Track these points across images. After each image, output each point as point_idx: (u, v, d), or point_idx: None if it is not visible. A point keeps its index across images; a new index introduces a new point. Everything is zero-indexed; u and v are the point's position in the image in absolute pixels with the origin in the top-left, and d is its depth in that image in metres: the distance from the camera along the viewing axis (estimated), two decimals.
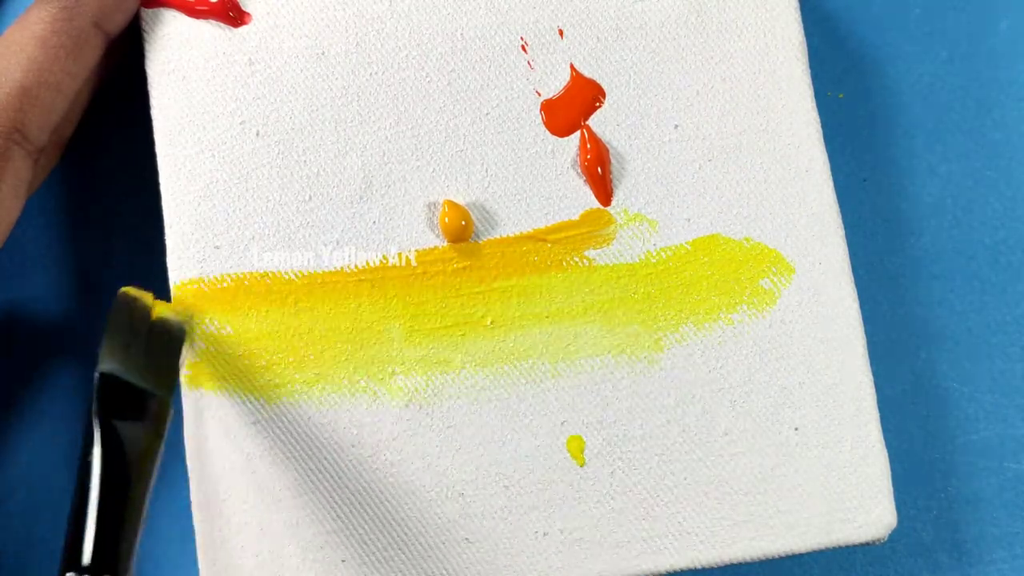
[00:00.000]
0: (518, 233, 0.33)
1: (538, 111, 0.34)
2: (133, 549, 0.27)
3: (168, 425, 0.30)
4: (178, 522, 0.34)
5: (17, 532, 0.35)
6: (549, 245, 0.33)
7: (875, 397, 0.33)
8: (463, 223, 0.32)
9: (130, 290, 0.31)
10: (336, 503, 0.32)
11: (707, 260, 0.33)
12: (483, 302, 0.33)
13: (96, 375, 0.29)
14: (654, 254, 0.33)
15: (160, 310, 0.31)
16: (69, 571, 0.26)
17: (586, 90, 0.34)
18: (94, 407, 0.28)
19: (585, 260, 0.33)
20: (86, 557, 0.26)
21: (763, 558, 0.32)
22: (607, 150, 0.33)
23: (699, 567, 0.32)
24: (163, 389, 0.30)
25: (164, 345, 0.31)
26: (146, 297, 0.31)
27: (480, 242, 0.33)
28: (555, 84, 0.34)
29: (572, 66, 0.34)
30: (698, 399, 0.33)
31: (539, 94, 0.34)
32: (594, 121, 0.34)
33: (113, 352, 0.29)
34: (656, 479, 0.32)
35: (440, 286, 0.33)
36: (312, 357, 0.32)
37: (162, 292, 0.33)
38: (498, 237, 0.33)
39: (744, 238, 0.33)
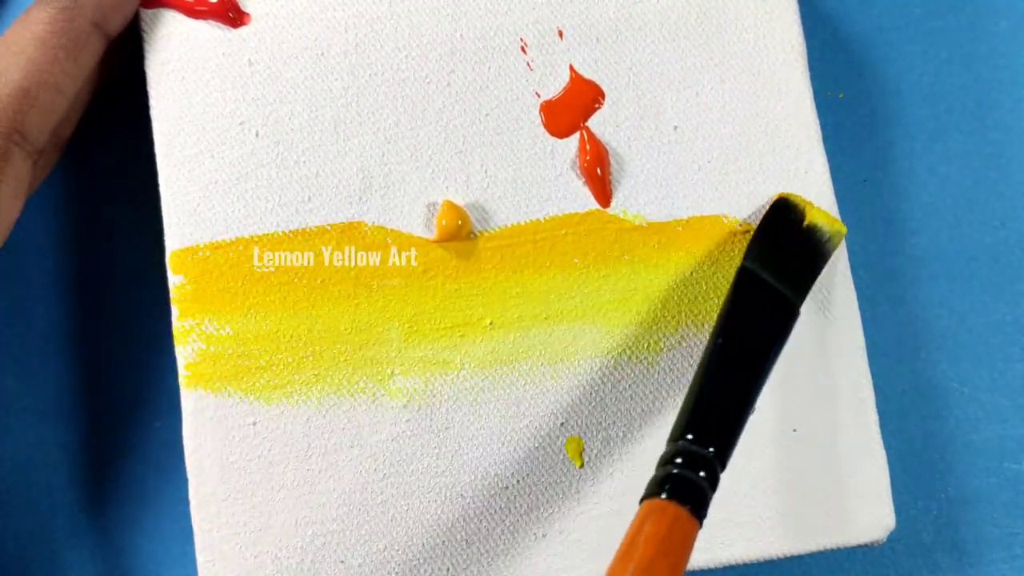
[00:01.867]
0: (516, 225, 0.33)
1: (537, 112, 0.34)
2: (739, 432, 0.29)
3: (790, 332, 0.31)
4: (178, 522, 0.34)
5: (18, 533, 0.35)
6: (549, 245, 0.33)
7: (874, 399, 0.33)
8: (459, 223, 0.32)
9: (789, 195, 0.33)
10: (335, 504, 0.32)
11: (707, 261, 0.33)
12: (482, 303, 0.33)
13: (740, 267, 0.32)
14: (653, 255, 0.33)
15: (813, 215, 0.33)
16: (679, 438, 0.29)
17: (586, 91, 0.34)
18: (730, 295, 0.31)
19: (584, 261, 0.33)
20: (693, 429, 0.29)
21: (761, 559, 0.32)
22: (606, 151, 0.33)
23: (698, 568, 0.32)
24: (797, 295, 0.31)
25: (808, 251, 0.32)
26: (801, 201, 0.33)
27: (479, 243, 0.33)
28: (555, 85, 0.34)
29: (572, 67, 0.34)
30: None
31: (538, 95, 0.34)
32: (593, 122, 0.34)
33: (762, 250, 0.32)
34: None
35: (439, 287, 0.33)
36: (311, 358, 0.32)
37: (161, 292, 0.33)
38: (497, 234, 0.33)
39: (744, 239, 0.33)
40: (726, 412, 0.29)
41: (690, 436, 0.29)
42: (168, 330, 0.33)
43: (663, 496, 0.27)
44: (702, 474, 0.28)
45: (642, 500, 0.28)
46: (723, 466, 0.29)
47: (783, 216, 0.33)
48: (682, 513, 0.27)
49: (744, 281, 0.31)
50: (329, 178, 0.33)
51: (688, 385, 0.33)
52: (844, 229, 0.33)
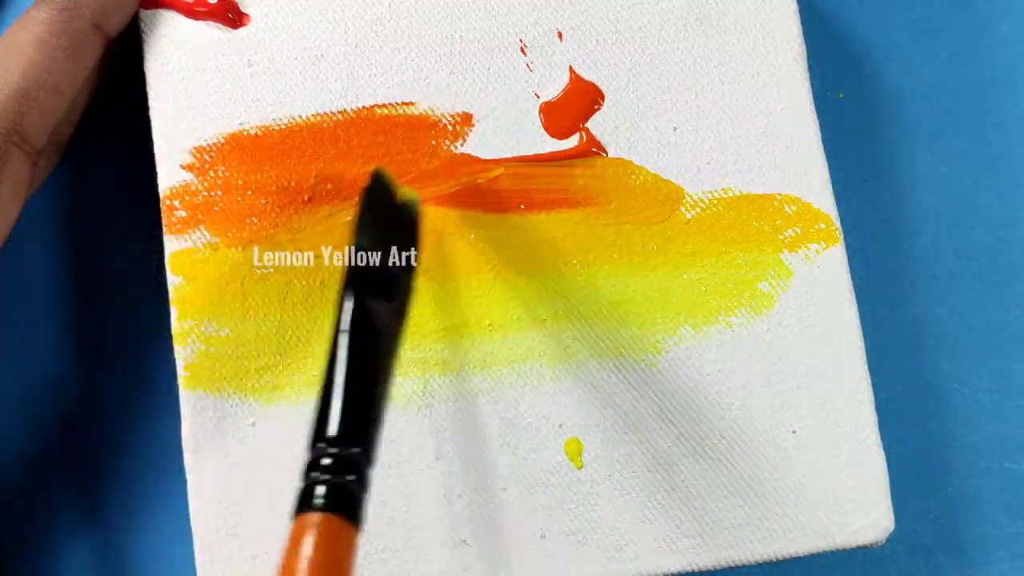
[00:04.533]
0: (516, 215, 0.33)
1: (537, 113, 0.34)
2: (380, 422, 0.27)
3: (409, 304, 0.30)
4: (177, 522, 0.34)
5: (18, 533, 0.35)
6: (548, 246, 0.33)
7: (873, 401, 0.33)
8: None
9: (384, 169, 0.31)
10: None
11: (705, 263, 0.33)
12: (481, 304, 0.33)
13: (351, 248, 0.29)
14: (653, 256, 0.33)
15: (404, 191, 0.32)
16: (318, 442, 0.26)
17: (585, 93, 0.34)
18: (347, 280, 0.29)
19: (584, 262, 0.33)
20: (333, 428, 0.26)
21: (760, 561, 0.32)
22: (606, 153, 0.33)
23: (697, 570, 0.32)
24: (408, 269, 0.30)
25: (409, 224, 0.31)
26: (391, 176, 0.31)
27: (478, 243, 0.33)
28: (554, 86, 0.34)
29: (571, 68, 0.34)
30: (696, 402, 0.33)
31: (538, 96, 0.34)
32: (593, 123, 0.34)
33: (367, 227, 0.30)
34: (654, 482, 0.32)
35: (438, 288, 0.33)
36: (311, 359, 0.32)
37: (161, 293, 0.33)
38: (496, 235, 0.33)
39: (743, 240, 0.33)
40: (366, 405, 0.27)
41: (332, 437, 0.26)
42: (168, 330, 0.33)
43: (316, 508, 0.25)
44: (352, 477, 0.26)
45: (295, 514, 0.26)
46: (371, 463, 0.27)
47: (381, 193, 0.31)
48: (340, 523, 0.25)
49: (360, 263, 0.29)
50: (330, 179, 0.33)
51: (687, 387, 0.33)
52: (420, 200, 0.32)
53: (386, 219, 0.30)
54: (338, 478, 0.26)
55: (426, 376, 0.32)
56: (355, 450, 0.26)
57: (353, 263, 0.29)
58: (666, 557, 0.32)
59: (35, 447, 0.35)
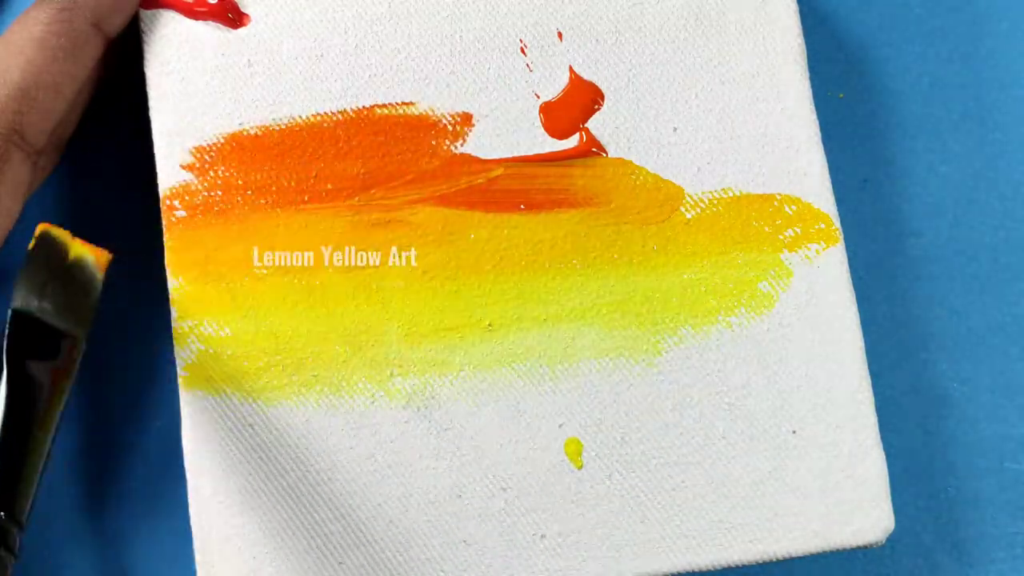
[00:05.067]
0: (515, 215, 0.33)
1: (537, 113, 0.34)
2: (32, 489, 0.27)
3: (78, 365, 0.29)
4: (177, 523, 0.34)
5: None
6: (548, 246, 0.33)
7: (873, 401, 0.33)
8: None
9: (49, 227, 0.30)
10: (334, 505, 0.32)
11: (705, 263, 0.33)
12: (481, 304, 0.33)
13: (9, 311, 0.28)
14: (652, 256, 0.33)
15: (77, 249, 0.31)
16: None
17: (585, 93, 0.34)
18: (4, 343, 0.28)
19: (583, 262, 0.33)
20: None
21: (760, 561, 0.32)
22: (606, 153, 0.33)
23: (697, 570, 0.32)
24: (78, 328, 0.29)
25: (81, 284, 0.30)
26: (64, 235, 0.31)
27: (478, 243, 0.33)
28: (554, 86, 0.34)
29: (571, 68, 0.34)
30: (696, 402, 0.33)
31: (538, 96, 0.34)
32: (593, 123, 0.34)
33: (29, 289, 0.29)
34: (654, 482, 0.32)
35: (439, 287, 0.33)
36: (310, 359, 0.32)
37: (161, 294, 0.33)
38: (496, 235, 0.33)
39: (742, 240, 0.33)
40: (18, 470, 0.27)
41: None
42: (168, 330, 0.33)
43: None
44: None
45: None
46: (20, 526, 0.26)
47: (48, 251, 0.30)
48: None
49: (19, 323, 0.29)
50: (330, 179, 0.33)
51: (687, 387, 0.33)
52: (108, 257, 0.31)
53: (50, 279, 0.30)
54: None
55: (426, 376, 0.32)
56: (0, 515, 0.26)
57: (11, 325, 0.28)
58: (666, 557, 0.32)
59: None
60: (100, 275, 0.31)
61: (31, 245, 0.30)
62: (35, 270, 0.30)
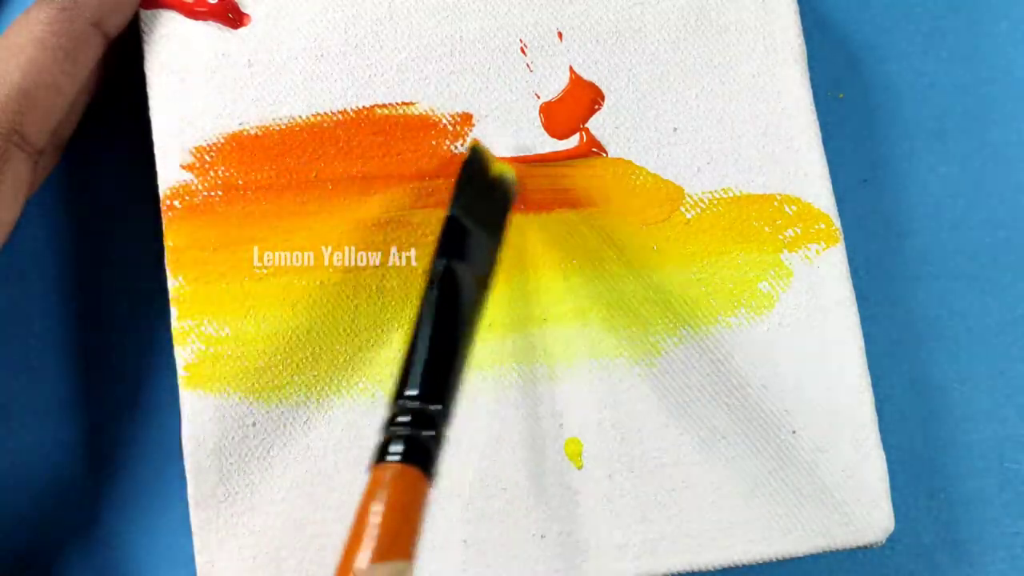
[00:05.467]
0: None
1: (537, 113, 0.34)
2: (460, 383, 0.28)
3: (494, 273, 0.31)
4: (177, 522, 0.34)
5: (18, 532, 0.35)
6: (548, 246, 0.33)
7: (873, 401, 0.33)
8: None
9: (478, 142, 0.33)
10: (334, 504, 0.32)
11: (705, 263, 0.33)
12: None
13: (447, 216, 0.31)
14: (652, 256, 0.33)
15: (498, 165, 0.32)
16: (399, 399, 0.28)
17: (585, 93, 0.34)
18: (439, 244, 0.30)
19: (583, 262, 0.33)
20: (415, 386, 0.28)
21: (760, 561, 0.32)
22: (606, 153, 0.33)
23: (697, 570, 0.32)
24: (496, 237, 0.31)
25: (502, 199, 0.32)
26: (487, 152, 0.33)
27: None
28: (554, 87, 0.34)
29: (571, 68, 0.34)
30: (696, 402, 0.33)
31: (538, 96, 0.34)
32: (593, 124, 0.34)
33: (466, 198, 0.31)
34: (654, 482, 0.32)
35: None
36: (310, 359, 0.32)
37: (161, 296, 0.33)
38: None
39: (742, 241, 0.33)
40: (448, 366, 0.28)
41: (413, 393, 0.28)
42: (168, 330, 0.33)
43: (395, 460, 0.26)
44: (430, 433, 0.27)
45: (372, 464, 0.27)
46: (448, 422, 0.28)
47: (477, 166, 0.32)
48: (416, 474, 0.26)
49: (453, 229, 0.31)
50: (330, 179, 0.33)
51: (687, 387, 0.33)
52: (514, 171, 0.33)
53: (480, 191, 0.31)
54: (416, 432, 0.27)
55: None
56: (434, 407, 0.27)
57: (446, 229, 0.30)
58: (666, 557, 0.32)
59: (35, 446, 0.35)
60: (514, 190, 0.32)
61: (465, 157, 0.32)
62: (472, 180, 0.32)
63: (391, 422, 0.27)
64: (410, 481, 0.26)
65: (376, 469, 0.27)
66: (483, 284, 0.30)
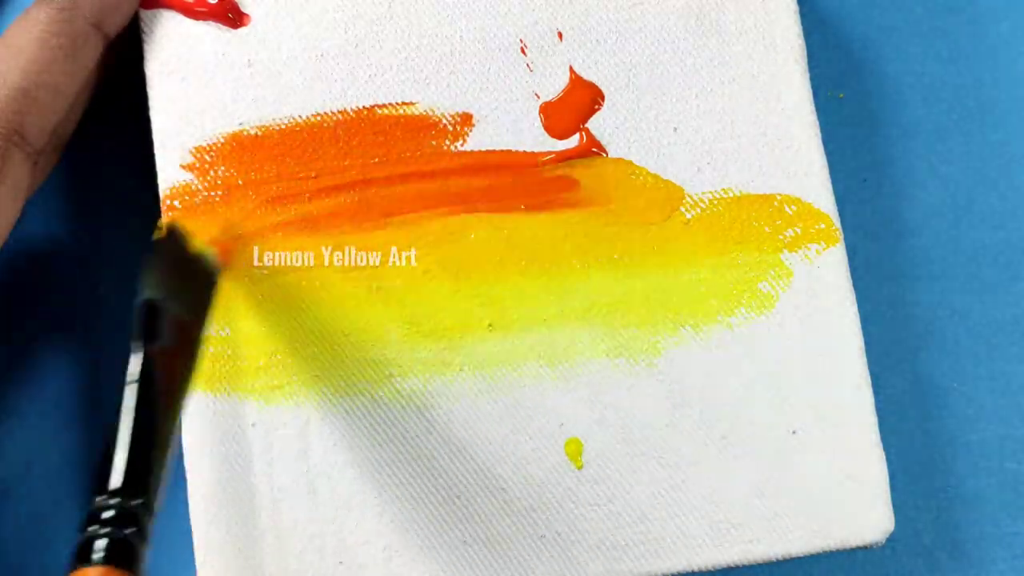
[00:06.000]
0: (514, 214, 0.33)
1: (537, 113, 0.34)
2: (164, 475, 0.27)
3: (199, 353, 0.30)
4: (177, 522, 0.34)
5: (18, 532, 0.35)
6: (548, 246, 0.33)
7: (873, 401, 0.33)
8: None
9: (178, 224, 0.32)
10: (333, 505, 0.32)
11: (705, 263, 0.33)
12: (482, 304, 0.33)
13: (139, 301, 0.29)
14: (653, 256, 0.33)
15: (197, 244, 0.32)
16: (100, 495, 0.26)
17: (585, 93, 0.34)
18: (135, 332, 0.29)
19: (584, 262, 0.33)
20: (116, 480, 0.26)
21: (760, 561, 0.32)
22: (606, 153, 0.33)
23: (697, 570, 0.32)
24: (200, 318, 0.30)
25: (204, 276, 0.31)
26: (185, 229, 0.32)
27: (478, 243, 0.33)
28: (554, 86, 0.34)
29: (571, 68, 0.34)
30: (696, 402, 0.33)
31: (538, 96, 0.34)
32: (593, 124, 0.34)
33: (157, 279, 0.30)
34: (654, 482, 0.32)
35: (439, 288, 0.33)
36: (310, 359, 0.32)
37: None
38: (496, 235, 0.33)
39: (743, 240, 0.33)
40: (149, 458, 0.27)
41: (113, 489, 0.26)
42: None
43: (95, 563, 0.25)
44: (132, 529, 0.26)
45: (72, 569, 0.25)
46: (152, 513, 0.27)
47: (173, 245, 0.31)
48: None
49: (147, 314, 0.29)
50: (328, 179, 0.33)
51: (687, 387, 0.33)
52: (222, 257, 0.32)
53: (177, 270, 0.31)
54: (117, 531, 0.26)
55: (426, 376, 0.32)
56: (136, 502, 0.26)
57: (141, 315, 0.29)
58: (666, 557, 0.32)
59: (35, 447, 0.35)
60: (218, 269, 0.32)
61: (157, 236, 0.31)
62: (161, 260, 0.31)
63: (91, 520, 0.26)
64: None
65: (78, 574, 0.25)
66: (186, 367, 0.29)
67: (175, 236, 0.31)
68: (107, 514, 0.26)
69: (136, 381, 0.28)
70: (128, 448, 0.27)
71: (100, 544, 0.25)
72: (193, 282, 0.31)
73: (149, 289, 0.30)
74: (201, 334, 0.30)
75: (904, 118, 0.38)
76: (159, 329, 0.29)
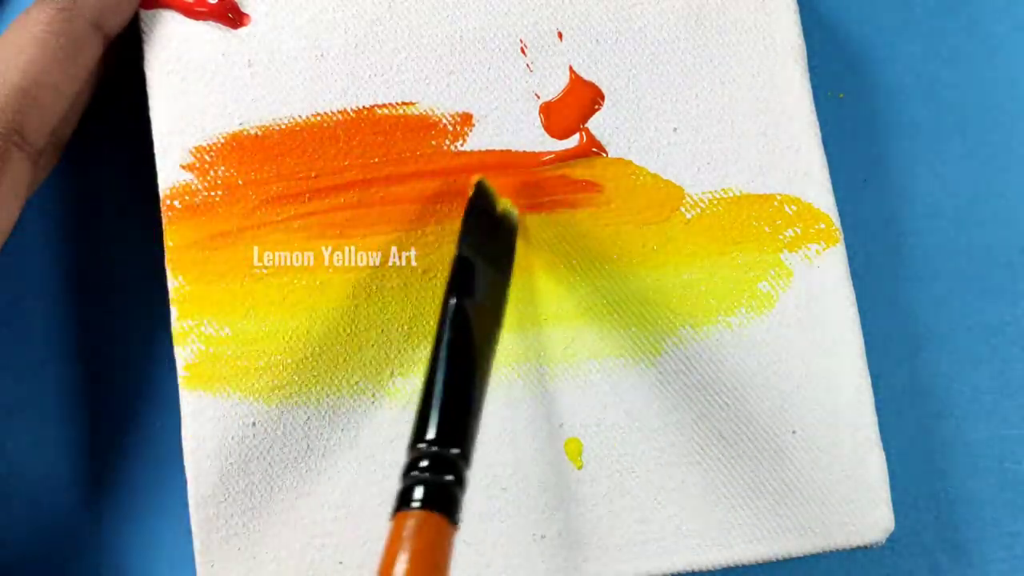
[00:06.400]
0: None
1: (537, 113, 0.34)
2: (477, 425, 0.28)
3: (504, 310, 0.31)
4: (177, 523, 0.34)
5: (18, 532, 0.35)
6: (548, 246, 0.33)
7: (873, 401, 0.33)
8: None
9: (486, 180, 0.32)
10: (334, 504, 0.32)
11: (705, 263, 0.33)
12: None
13: (456, 256, 0.30)
14: (652, 256, 0.33)
15: (504, 202, 0.32)
16: (418, 443, 0.27)
17: (585, 93, 0.34)
18: (449, 285, 0.29)
19: (583, 262, 0.33)
20: (432, 430, 0.27)
21: (759, 561, 0.32)
22: (606, 153, 0.33)
23: (697, 570, 0.32)
24: (505, 276, 0.31)
25: (508, 235, 0.32)
26: (493, 188, 0.32)
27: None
28: (554, 86, 0.34)
29: (571, 68, 0.34)
30: (696, 402, 0.33)
31: (538, 96, 0.34)
32: (593, 124, 0.34)
33: (474, 236, 0.31)
34: (654, 482, 0.32)
35: (439, 288, 0.33)
36: (310, 359, 0.32)
37: (161, 292, 0.33)
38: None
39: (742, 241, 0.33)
40: (465, 408, 0.28)
41: (431, 438, 0.27)
42: (167, 330, 0.33)
43: (417, 506, 0.26)
44: (451, 477, 0.27)
45: (394, 512, 0.26)
46: (468, 464, 0.27)
47: (484, 203, 0.32)
48: (440, 521, 0.26)
49: (462, 267, 0.30)
50: (328, 179, 0.33)
51: (687, 387, 0.33)
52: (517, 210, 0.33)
53: (487, 228, 0.31)
54: (436, 478, 0.26)
55: None
56: (453, 451, 0.27)
57: (456, 269, 0.30)
58: (666, 557, 0.32)
59: (35, 447, 0.35)
60: (517, 226, 0.32)
61: (471, 193, 0.32)
62: (478, 217, 0.31)
63: (411, 467, 0.27)
64: (435, 528, 0.26)
65: (399, 516, 0.26)
66: (495, 321, 0.30)
67: (484, 193, 0.32)
68: (425, 462, 0.27)
69: (450, 331, 0.29)
70: (442, 399, 0.28)
71: (419, 491, 0.26)
72: (498, 239, 0.32)
73: (464, 246, 0.30)
74: (506, 288, 0.31)
75: (904, 118, 0.38)
76: (472, 284, 0.30)
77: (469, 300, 0.29)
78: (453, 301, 0.29)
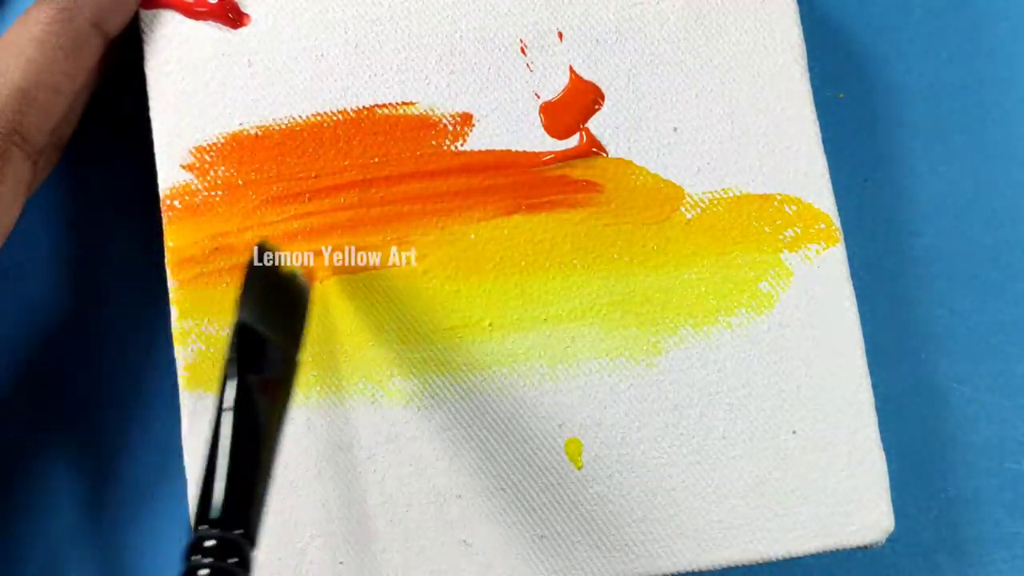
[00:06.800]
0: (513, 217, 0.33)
1: (537, 113, 0.34)
2: (263, 503, 0.27)
3: (295, 381, 0.30)
4: (177, 522, 0.34)
5: (18, 533, 0.35)
6: (548, 247, 0.33)
7: (873, 401, 0.33)
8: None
9: (267, 242, 0.31)
10: (333, 505, 0.32)
11: (705, 263, 0.33)
12: (482, 304, 0.33)
13: (235, 325, 0.29)
14: (652, 256, 0.33)
15: (289, 265, 0.32)
16: (201, 524, 0.26)
17: (585, 92, 0.34)
18: (229, 358, 0.28)
19: (584, 262, 0.33)
20: (216, 511, 0.26)
21: (760, 561, 0.32)
22: (606, 153, 0.33)
23: (696, 570, 0.32)
24: (293, 343, 0.30)
25: (295, 297, 0.31)
26: (277, 248, 0.31)
27: (479, 243, 0.33)
28: (554, 86, 0.34)
29: (571, 68, 0.34)
30: (696, 402, 0.33)
31: (538, 96, 0.34)
32: (593, 123, 0.34)
33: (252, 303, 0.29)
34: (654, 482, 0.32)
35: (439, 288, 0.33)
36: (310, 359, 0.32)
37: (161, 292, 0.33)
38: (496, 235, 0.33)
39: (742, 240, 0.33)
40: (249, 487, 0.27)
41: (215, 519, 0.26)
42: (168, 331, 0.33)
43: None
44: (234, 560, 0.26)
45: None
46: (253, 544, 0.27)
47: (263, 268, 0.31)
48: None
49: (244, 339, 0.29)
50: (329, 180, 0.33)
51: (687, 387, 0.33)
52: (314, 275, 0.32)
53: (271, 294, 0.30)
54: (220, 562, 0.26)
55: (426, 376, 0.32)
56: (237, 532, 0.26)
57: (236, 340, 0.28)
58: (666, 557, 0.32)
59: (36, 448, 0.35)
60: (309, 290, 0.31)
61: (248, 259, 0.30)
62: (255, 284, 0.30)
63: (194, 549, 0.26)
64: None
65: None
66: (284, 390, 0.29)
67: (266, 255, 0.31)
68: (209, 543, 0.26)
69: (231, 409, 0.28)
70: (227, 481, 0.27)
71: (203, 574, 0.25)
72: (285, 304, 0.31)
73: (244, 312, 0.29)
74: (296, 357, 0.30)
75: (904, 118, 0.38)
76: (255, 356, 0.28)
77: (252, 375, 0.28)
78: (235, 376, 0.28)
